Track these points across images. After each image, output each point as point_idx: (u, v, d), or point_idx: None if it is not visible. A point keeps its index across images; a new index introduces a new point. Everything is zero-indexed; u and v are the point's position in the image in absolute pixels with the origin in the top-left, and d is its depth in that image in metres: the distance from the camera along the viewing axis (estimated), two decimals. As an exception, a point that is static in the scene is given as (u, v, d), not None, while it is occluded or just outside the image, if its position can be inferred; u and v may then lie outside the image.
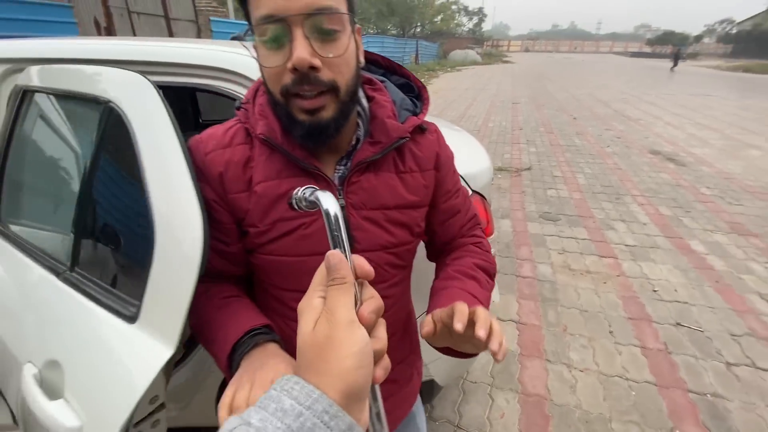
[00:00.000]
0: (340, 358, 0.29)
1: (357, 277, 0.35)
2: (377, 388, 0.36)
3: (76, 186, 0.84)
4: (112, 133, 0.75)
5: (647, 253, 3.09)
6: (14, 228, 0.99)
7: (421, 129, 0.68)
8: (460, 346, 0.58)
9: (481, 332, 0.48)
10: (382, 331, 0.35)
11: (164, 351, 0.62)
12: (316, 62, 0.49)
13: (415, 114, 0.67)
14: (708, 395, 1.81)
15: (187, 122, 2.44)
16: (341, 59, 0.52)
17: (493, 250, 0.83)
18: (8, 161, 1.00)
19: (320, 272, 0.35)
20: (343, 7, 0.51)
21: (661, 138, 6.86)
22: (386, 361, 0.35)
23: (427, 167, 0.68)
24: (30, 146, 1.00)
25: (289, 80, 0.51)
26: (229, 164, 0.61)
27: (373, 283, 0.64)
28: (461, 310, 0.51)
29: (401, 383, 0.80)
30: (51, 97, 0.92)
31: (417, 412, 0.90)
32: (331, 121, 0.54)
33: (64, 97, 0.89)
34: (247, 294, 0.70)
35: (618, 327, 2.27)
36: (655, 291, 2.61)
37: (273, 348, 0.57)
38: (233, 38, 1.77)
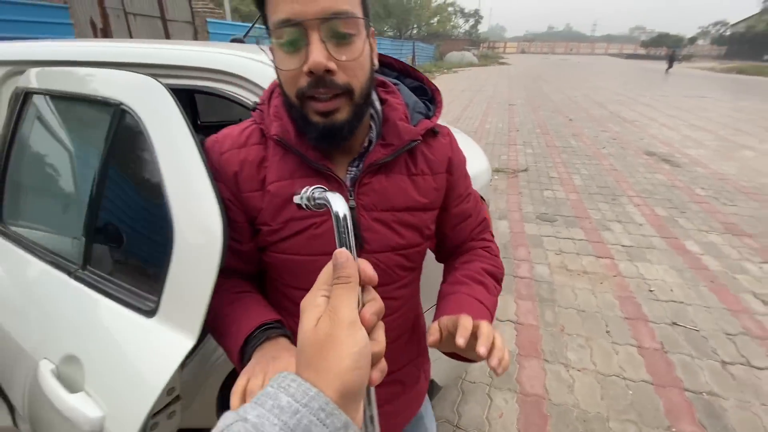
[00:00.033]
0: (339, 357, 0.30)
1: (360, 281, 0.36)
2: (372, 391, 0.36)
3: (85, 186, 0.85)
4: (124, 135, 0.77)
5: (643, 253, 3.11)
6: (18, 229, 1.00)
7: (434, 132, 0.68)
8: (465, 353, 0.59)
9: (481, 349, 0.50)
10: (381, 334, 0.35)
11: (185, 342, 0.64)
12: (332, 65, 0.50)
13: (428, 117, 0.67)
14: (704, 394, 1.83)
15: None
16: (356, 62, 0.52)
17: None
18: (10, 163, 1.00)
19: (326, 271, 0.35)
20: (358, 12, 0.52)
21: (656, 139, 6.91)
22: (383, 364, 0.35)
23: (439, 170, 0.68)
24: (35, 148, 1.01)
25: (304, 83, 0.52)
26: (243, 164, 0.63)
27: (381, 284, 0.65)
28: (465, 325, 0.53)
29: (408, 385, 0.80)
30: (56, 99, 0.93)
31: (425, 413, 0.90)
32: (345, 123, 0.55)
33: (71, 100, 0.89)
34: (259, 292, 0.72)
35: (615, 327, 2.28)
36: (651, 291, 2.63)
37: (284, 342, 0.59)
38: (233, 40, 1.77)
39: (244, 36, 1.59)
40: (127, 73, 0.76)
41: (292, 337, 0.60)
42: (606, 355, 2.07)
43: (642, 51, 71.70)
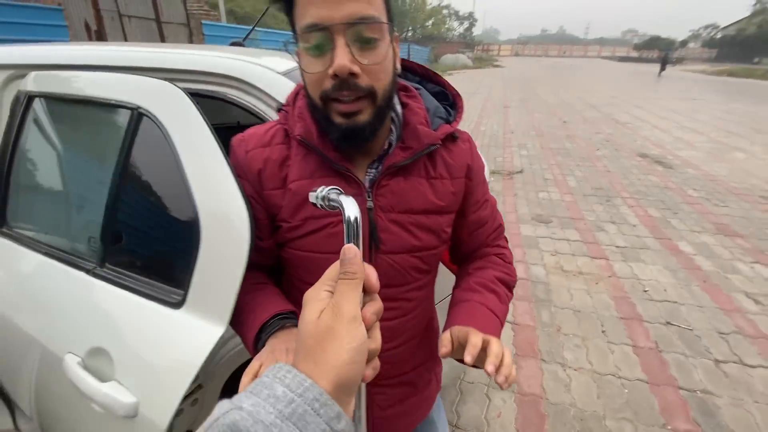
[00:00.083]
0: (338, 351, 0.31)
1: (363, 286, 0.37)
2: (363, 391, 0.38)
3: (101, 188, 0.87)
4: (143, 138, 0.80)
5: (637, 254, 3.15)
6: (25, 231, 1.01)
7: (453, 137, 0.69)
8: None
9: (489, 368, 0.52)
10: (377, 333, 0.36)
11: (215, 330, 0.68)
12: (356, 69, 0.52)
13: (448, 122, 0.68)
14: (698, 392, 1.86)
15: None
16: (379, 66, 0.54)
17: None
18: (14, 166, 1.00)
19: (333, 268, 0.36)
20: (383, 17, 0.53)
21: (648, 141, 7.00)
22: (376, 362, 0.36)
23: (458, 175, 0.69)
24: (42, 151, 1.01)
25: (329, 85, 0.54)
26: (267, 162, 0.65)
27: (395, 285, 0.66)
28: (474, 343, 0.55)
29: (419, 387, 0.81)
30: (65, 102, 0.94)
31: (437, 418, 0.90)
32: (367, 124, 0.57)
33: (81, 103, 0.91)
34: (276, 285, 0.74)
35: (610, 326, 2.31)
36: (645, 291, 2.67)
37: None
38: (232, 44, 1.78)
39: (244, 39, 1.61)
40: (144, 78, 0.78)
41: None
42: (602, 355, 2.09)
43: (634, 54, 72.41)
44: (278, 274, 0.78)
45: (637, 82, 20.81)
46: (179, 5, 9.37)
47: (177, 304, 0.75)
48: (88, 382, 0.77)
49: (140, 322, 0.79)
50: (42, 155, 1.02)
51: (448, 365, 1.39)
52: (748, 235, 3.48)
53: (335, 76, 0.52)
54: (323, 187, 0.43)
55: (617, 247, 3.26)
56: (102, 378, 0.78)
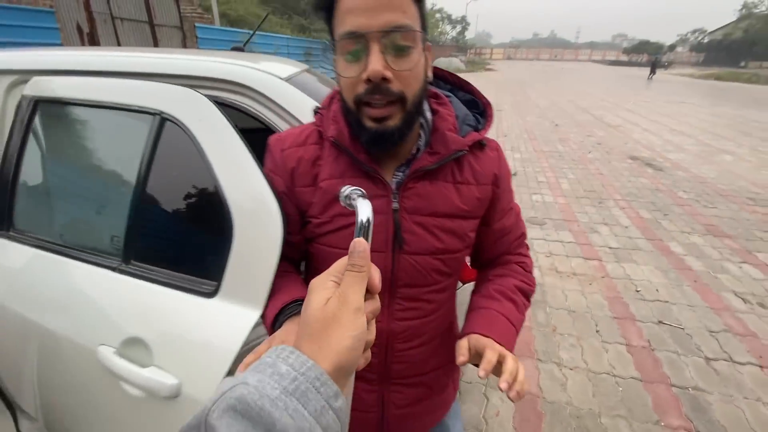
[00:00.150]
0: (341, 336, 0.33)
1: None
2: (352, 381, 0.40)
3: (123, 189, 0.91)
4: (167, 141, 0.85)
5: (630, 254, 3.21)
6: (38, 233, 1.02)
7: (481, 144, 0.71)
8: None
9: (503, 384, 0.55)
10: (374, 328, 0.38)
11: (253, 314, 0.74)
12: (388, 74, 0.55)
13: (477, 129, 0.70)
14: (690, 389, 1.91)
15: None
16: (411, 73, 0.57)
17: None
18: (21, 170, 1.01)
19: (340, 261, 0.39)
20: (417, 26, 0.56)
21: (639, 144, 7.12)
22: (368, 353, 0.38)
23: (484, 182, 0.71)
24: (54, 155, 1.03)
25: (362, 90, 0.56)
26: (300, 161, 0.69)
27: (416, 285, 0.69)
28: (489, 359, 0.58)
29: (435, 390, 0.81)
30: (79, 107, 0.97)
31: (452, 425, 0.90)
32: (396, 129, 0.59)
33: (96, 107, 0.94)
34: (300, 275, 0.78)
35: (604, 326, 2.36)
36: (638, 291, 2.72)
37: None
38: (233, 49, 1.80)
39: (245, 44, 1.63)
40: (166, 85, 0.84)
41: None
42: (596, 354, 2.13)
43: (624, 58, 73.43)
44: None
45: (628, 85, 21.12)
46: (173, 8, 9.32)
47: (210, 294, 0.81)
48: (128, 368, 0.82)
49: (174, 311, 0.84)
50: (54, 159, 1.03)
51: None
52: (736, 236, 3.56)
53: (368, 80, 0.55)
54: (349, 186, 0.46)
55: (610, 248, 3.32)
56: (140, 365, 0.83)
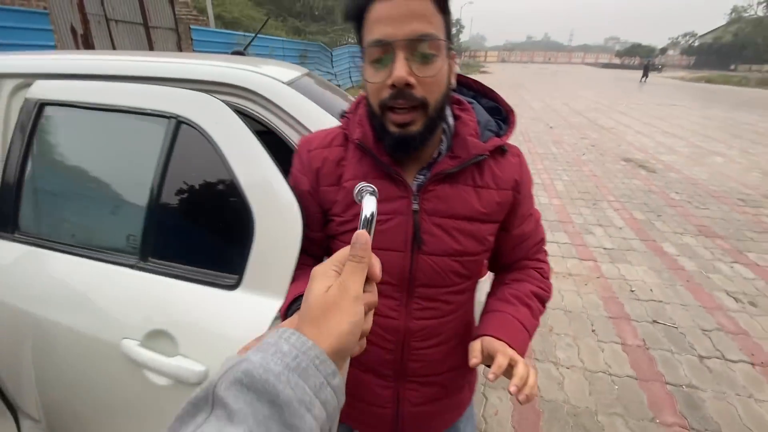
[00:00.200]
0: (340, 321, 0.35)
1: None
2: (346, 366, 0.42)
3: (139, 189, 0.94)
4: (183, 143, 0.89)
5: (624, 255, 3.26)
6: (49, 234, 1.03)
7: (502, 150, 0.72)
8: None
9: (512, 388, 0.57)
10: (370, 318, 0.40)
11: (276, 303, 0.79)
12: (411, 80, 0.57)
13: (498, 135, 0.72)
14: (684, 387, 1.94)
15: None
16: (433, 79, 0.59)
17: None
18: (27, 172, 1.02)
19: (342, 251, 0.40)
20: (441, 35, 0.59)
21: (632, 146, 7.20)
22: (363, 342, 0.40)
23: (505, 187, 0.72)
24: (64, 158, 1.04)
25: (386, 95, 0.59)
26: (325, 161, 0.73)
27: (434, 285, 0.72)
28: (500, 364, 0.59)
29: (450, 390, 0.82)
30: (89, 111, 0.98)
31: (464, 430, 0.90)
32: (418, 134, 0.62)
33: (107, 111, 0.96)
34: None
35: (600, 326, 2.39)
36: (632, 291, 2.76)
37: None
38: (234, 53, 1.81)
39: (245, 48, 1.64)
40: (181, 89, 0.89)
41: None
42: (592, 353, 2.16)
43: (616, 60, 74.22)
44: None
45: (620, 88, 21.35)
46: (168, 10, 9.30)
47: (232, 286, 0.85)
48: (155, 358, 0.86)
49: (196, 303, 0.87)
50: (65, 162, 1.04)
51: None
52: (728, 236, 3.62)
53: (393, 86, 0.57)
54: (363, 183, 0.48)
55: (605, 249, 3.36)
56: (167, 355, 0.86)
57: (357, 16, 0.60)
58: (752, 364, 2.10)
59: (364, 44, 0.60)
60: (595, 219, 3.96)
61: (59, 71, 1.14)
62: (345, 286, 0.37)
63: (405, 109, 0.60)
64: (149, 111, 0.90)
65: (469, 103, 0.74)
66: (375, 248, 0.67)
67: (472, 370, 0.89)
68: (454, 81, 0.67)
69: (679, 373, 2.03)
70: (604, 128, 8.95)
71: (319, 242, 0.78)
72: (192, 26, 9.88)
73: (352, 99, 1.60)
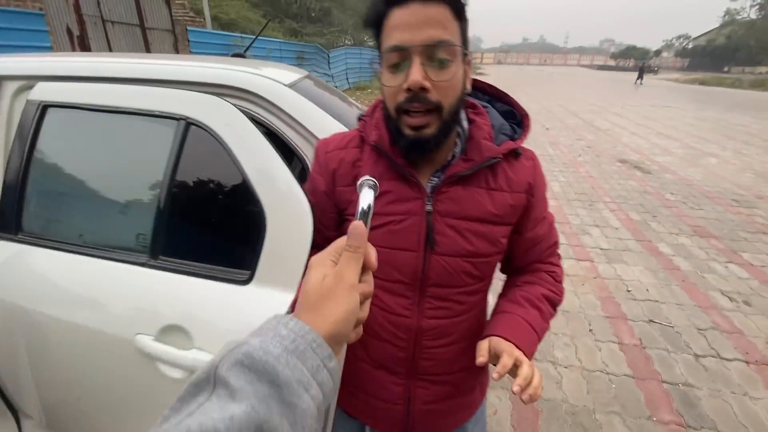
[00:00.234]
0: (336, 308, 0.36)
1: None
2: (343, 353, 0.43)
3: (148, 189, 0.96)
4: (192, 143, 0.91)
5: (620, 255, 3.29)
6: (54, 234, 1.04)
7: (516, 153, 0.73)
8: None
9: (516, 388, 0.59)
10: (366, 307, 0.41)
11: (288, 296, 0.82)
12: (427, 84, 0.59)
13: (513, 139, 0.73)
14: (680, 385, 1.97)
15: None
16: (448, 84, 0.60)
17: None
18: (31, 173, 1.02)
19: (339, 241, 0.41)
20: (457, 41, 0.60)
21: (627, 147, 7.26)
22: (359, 330, 0.41)
23: (518, 189, 0.72)
24: (69, 160, 1.05)
25: (402, 98, 0.61)
26: (342, 162, 0.75)
27: (446, 285, 0.73)
28: (505, 364, 0.61)
29: (461, 390, 0.83)
30: (91, 112, 0.99)
31: (472, 430, 0.90)
32: (432, 137, 0.63)
33: (114, 113, 0.98)
34: None
35: (597, 325, 2.41)
36: (629, 291, 2.79)
37: None
38: (234, 55, 1.83)
39: (245, 51, 1.65)
40: (191, 92, 0.91)
41: None
42: (590, 352, 2.18)
43: (611, 62, 74.72)
44: None
45: (615, 89, 21.49)
46: (164, 11, 9.27)
47: (244, 282, 0.87)
48: (170, 352, 0.87)
49: (209, 298, 0.89)
50: (71, 163, 1.05)
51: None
52: (722, 237, 3.66)
53: (408, 90, 0.59)
54: (366, 176, 0.49)
55: (601, 249, 3.39)
56: (181, 349, 0.87)
57: (376, 23, 0.62)
58: (747, 362, 2.13)
59: (383, 50, 0.62)
60: (591, 220, 3.99)
61: (62, 73, 1.14)
62: (341, 275, 0.38)
63: (420, 113, 0.61)
64: (158, 113, 0.92)
65: (484, 107, 0.75)
66: (389, 247, 0.71)
67: (484, 372, 0.89)
68: (469, 85, 0.68)
69: (675, 372, 2.05)
70: (600, 130, 9.02)
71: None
72: (189, 28, 9.86)
73: (352, 101, 1.61)
